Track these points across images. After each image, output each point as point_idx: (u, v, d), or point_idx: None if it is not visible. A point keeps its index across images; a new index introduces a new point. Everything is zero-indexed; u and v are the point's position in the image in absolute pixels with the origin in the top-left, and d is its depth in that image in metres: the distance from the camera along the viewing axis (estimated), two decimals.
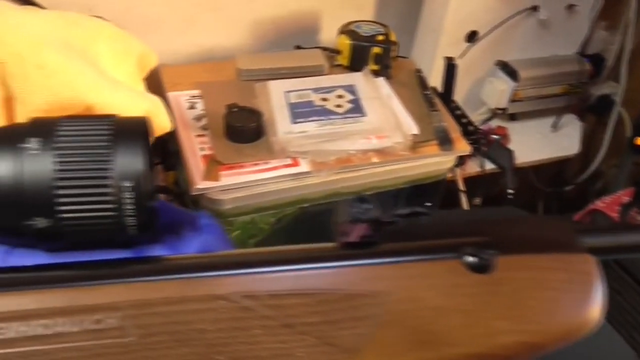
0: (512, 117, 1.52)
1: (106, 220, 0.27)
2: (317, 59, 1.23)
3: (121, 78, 0.75)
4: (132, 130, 0.27)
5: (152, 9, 1.20)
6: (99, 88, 0.68)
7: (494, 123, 1.48)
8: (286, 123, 1.03)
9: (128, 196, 0.26)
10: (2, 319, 0.24)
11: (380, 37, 1.19)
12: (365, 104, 1.07)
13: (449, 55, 1.27)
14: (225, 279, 0.25)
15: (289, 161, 0.98)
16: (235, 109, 1.05)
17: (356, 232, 0.30)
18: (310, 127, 1.01)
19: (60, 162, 0.26)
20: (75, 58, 0.68)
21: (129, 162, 0.27)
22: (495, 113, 1.46)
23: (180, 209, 0.34)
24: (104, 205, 0.26)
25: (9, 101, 0.67)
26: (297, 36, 1.37)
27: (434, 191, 1.17)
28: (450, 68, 1.21)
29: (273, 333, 0.25)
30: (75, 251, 0.28)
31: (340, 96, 1.09)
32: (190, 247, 0.29)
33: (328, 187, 1.01)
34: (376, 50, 1.18)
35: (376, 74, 1.18)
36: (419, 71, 1.23)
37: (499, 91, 1.41)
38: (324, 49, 1.26)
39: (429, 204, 1.17)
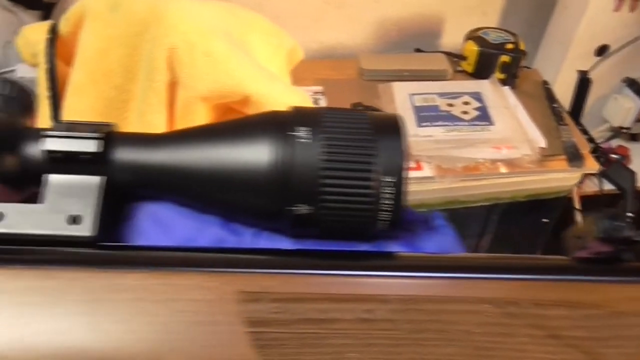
0: (634, 138, 1.46)
1: (363, 212, 0.27)
2: (441, 63, 1.22)
3: (273, 70, 0.76)
4: (391, 127, 0.28)
5: (283, 4, 1.22)
6: (258, 79, 0.70)
7: (614, 142, 1.42)
8: (411, 126, 1.02)
9: (388, 191, 0.27)
10: (282, 299, 0.24)
11: (510, 46, 1.16)
12: (493, 112, 1.05)
13: (577, 68, 1.23)
14: (489, 282, 0.25)
15: (412, 164, 0.98)
16: (361, 108, 1.06)
17: (595, 248, 0.30)
18: (436, 131, 1.00)
19: (329, 152, 0.27)
20: (236, 48, 0.70)
21: (391, 157, 0.27)
22: (618, 132, 1.40)
23: (410, 208, 0.34)
24: (365, 197, 0.27)
25: (173, 86, 0.70)
26: (417, 39, 1.36)
27: (552, 207, 1.13)
28: (584, 83, 1.17)
29: (540, 343, 0.24)
30: (319, 240, 0.29)
31: (466, 103, 1.08)
32: (426, 247, 0.30)
33: (448, 194, 1.00)
34: (504, 58, 1.15)
35: (502, 83, 1.15)
36: (546, 83, 1.20)
37: (625, 109, 1.35)
38: (448, 53, 1.25)
39: (546, 220, 1.14)
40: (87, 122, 0.29)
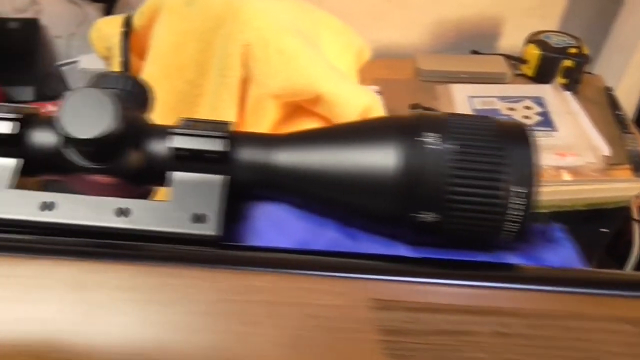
0: None
1: (490, 222, 0.26)
2: (500, 66, 1.19)
3: (342, 69, 0.76)
4: (520, 135, 0.27)
5: (344, 1, 1.21)
6: (329, 78, 0.70)
7: None
8: None
9: (518, 202, 0.26)
10: (414, 309, 0.24)
11: (573, 50, 1.14)
12: (556, 118, 1.03)
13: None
14: (629, 301, 0.24)
15: None
16: (421, 109, 1.05)
17: None
18: None
19: (459, 159, 0.26)
20: (309, 46, 0.70)
21: (522, 167, 0.26)
22: None
23: None
24: (494, 207, 0.26)
25: (245, 82, 0.70)
26: (474, 40, 1.34)
27: (611, 217, 1.10)
28: None
29: None
30: (439, 248, 0.28)
31: (528, 107, 1.06)
32: (547, 259, 0.29)
33: None
34: (567, 63, 1.13)
35: (564, 88, 1.13)
36: (609, 89, 1.17)
37: None
38: (507, 56, 1.22)
39: (605, 230, 1.11)
40: (207, 120, 0.29)
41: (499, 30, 1.35)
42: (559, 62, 1.13)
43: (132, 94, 0.30)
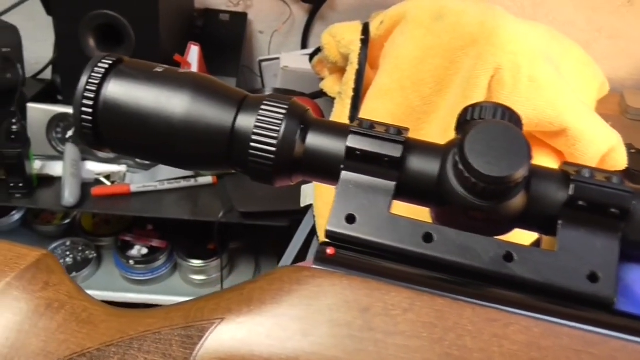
0: None
1: None
2: None
3: (587, 104, 0.71)
4: None
5: (553, 26, 1.16)
6: (578, 113, 0.65)
7: None
8: None
9: None
10: None
11: None
12: None
13: None
14: None
15: None
16: (633, 151, 0.97)
17: None
18: None
19: None
20: (559, 77, 0.66)
21: None
22: None
23: None
24: None
25: None
26: None
27: None
28: None
29: None
30: None
31: None
32: None
33: None
34: None
35: None
36: None
37: None
38: None
39: None
40: (385, 123, 0.28)
41: None
42: None
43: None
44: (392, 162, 0.27)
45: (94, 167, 0.99)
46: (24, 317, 0.25)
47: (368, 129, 0.27)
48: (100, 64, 0.30)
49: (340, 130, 0.28)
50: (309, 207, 0.86)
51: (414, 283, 0.25)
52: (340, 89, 0.77)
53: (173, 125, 0.29)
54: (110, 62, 0.30)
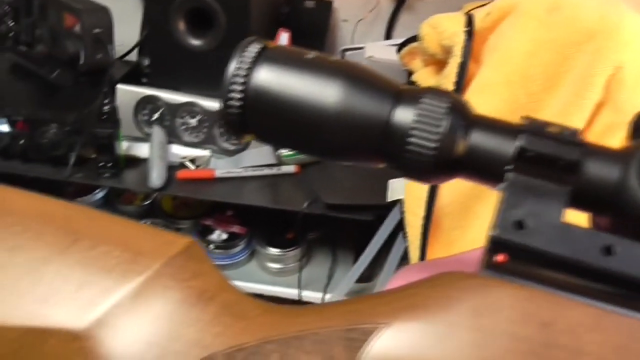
0: None
1: None
2: None
3: None
4: None
5: None
6: None
7: None
8: None
9: None
10: None
11: None
12: None
13: None
14: None
15: None
16: None
17: None
18: None
19: None
20: None
21: None
22: None
23: None
24: None
25: (599, 106, 0.64)
26: None
27: None
28: None
29: None
30: None
31: None
32: None
33: None
34: None
35: None
36: None
37: None
38: None
39: None
40: (557, 123, 0.25)
41: None
42: None
43: None
44: (568, 165, 0.25)
45: (179, 151, 1.00)
46: (175, 307, 0.25)
47: (541, 128, 0.25)
48: (249, 49, 0.28)
49: (508, 129, 0.26)
50: (395, 202, 0.84)
51: (596, 299, 0.23)
52: (437, 81, 0.75)
53: (325, 115, 0.27)
54: (260, 47, 0.29)
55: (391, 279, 0.62)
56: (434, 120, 0.26)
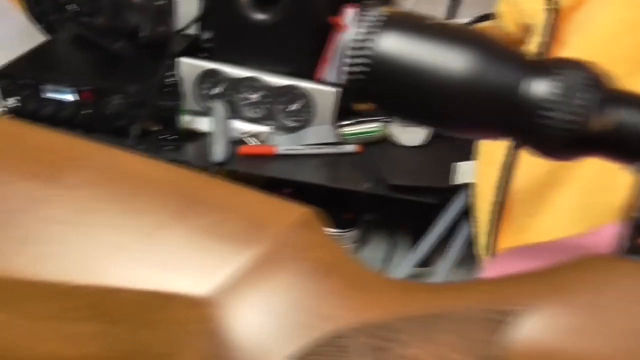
0: None
1: None
2: None
3: None
4: None
5: None
6: None
7: None
8: None
9: None
10: None
11: None
12: None
13: None
14: None
15: None
16: None
17: None
18: None
19: None
20: None
21: None
22: None
23: None
24: None
25: None
26: None
27: None
28: None
29: None
30: None
31: None
32: None
33: None
34: None
35: None
36: None
37: None
38: None
39: None
40: None
41: None
42: None
43: None
44: None
45: (240, 126, 1.00)
46: (296, 278, 0.24)
47: None
48: (372, 14, 0.27)
49: None
50: (461, 186, 0.82)
51: None
52: None
53: (453, 84, 0.26)
54: (380, 13, 0.27)
55: (489, 266, 0.60)
56: (574, 93, 0.25)
